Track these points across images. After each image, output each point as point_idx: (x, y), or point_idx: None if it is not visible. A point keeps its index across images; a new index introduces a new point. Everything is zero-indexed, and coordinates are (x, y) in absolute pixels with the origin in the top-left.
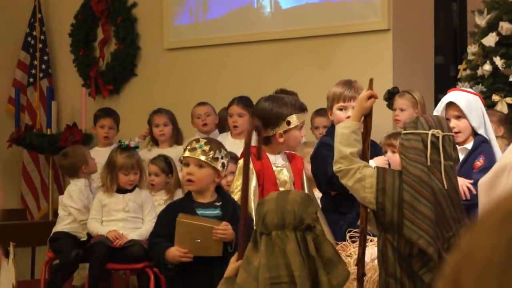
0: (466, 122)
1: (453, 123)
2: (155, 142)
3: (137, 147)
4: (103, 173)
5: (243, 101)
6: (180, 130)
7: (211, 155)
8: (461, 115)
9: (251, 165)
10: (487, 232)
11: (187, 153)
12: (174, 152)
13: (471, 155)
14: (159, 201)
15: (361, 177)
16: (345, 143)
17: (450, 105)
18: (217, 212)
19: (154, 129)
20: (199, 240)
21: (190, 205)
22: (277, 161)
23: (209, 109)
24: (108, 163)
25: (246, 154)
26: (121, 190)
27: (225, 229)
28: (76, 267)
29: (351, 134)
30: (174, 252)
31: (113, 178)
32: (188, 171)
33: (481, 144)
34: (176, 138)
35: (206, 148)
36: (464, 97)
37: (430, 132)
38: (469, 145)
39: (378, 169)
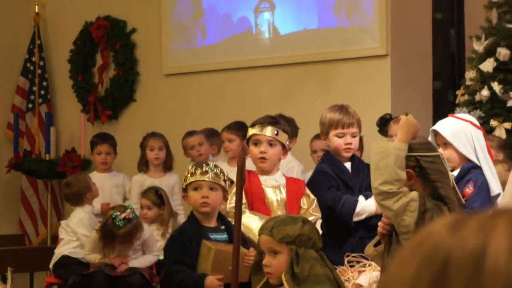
0: (451, 149)
1: (441, 150)
2: (145, 167)
3: (134, 217)
4: (99, 241)
5: (232, 126)
6: (172, 156)
7: (222, 178)
8: (447, 143)
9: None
10: (400, 262)
11: (199, 177)
12: (166, 181)
13: (458, 183)
14: (156, 237)
15: (408, 201)
16: (400, 165)
17: (437, 132)
18: (225, 236)
19: (148, 152)
20: (230, 267)
21: (201, 230)
22: (267, 181)
23: (200, 138)
24: (105, 234)
25: (239, 174)
26: None
27: (253, 255)
28: None
29: (403, 159)
30: (214, 282)
31: (113, 249)
32: (204, 194)
33: (469, 171)
34: (168, 163)
35: (217, 170)
36: (449, 125)
37: (442, 154)
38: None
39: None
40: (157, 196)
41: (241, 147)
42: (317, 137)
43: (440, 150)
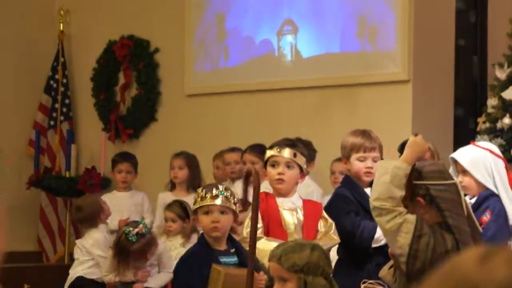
0: (470, 177)
1: (460, 178)
2: (172, 186)
3: (147, 232)
4: (114, 259)
5: (256, 148)
6: (199, 176)
7: (232, 201)
8: (466, 171)
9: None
10: None
11: (209, 201)
12: (189, 201)
13: (476, 210)
14: (175, 245)
15: (402, 222)
16: (397, 184)
17: (457, 160)
18: (235, 259)
19: (171, 172)
20: None
21: (211, 253)
22: (284, 204)
23: (238, 156)
24: (119, 251)
25: (255, 198)
26: None
27: (264, 278)
28: None
29: (403, 178)
30: None
31: (127, 265)
32: (214, 219)
33: (487, 199)
34: (193, 183)
35: (228, 194)
36: (467, 153)
37: (458, 183)
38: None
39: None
40: (181, 209)
41: (254, 173)
42: (338, 159)
43: (460, 178)
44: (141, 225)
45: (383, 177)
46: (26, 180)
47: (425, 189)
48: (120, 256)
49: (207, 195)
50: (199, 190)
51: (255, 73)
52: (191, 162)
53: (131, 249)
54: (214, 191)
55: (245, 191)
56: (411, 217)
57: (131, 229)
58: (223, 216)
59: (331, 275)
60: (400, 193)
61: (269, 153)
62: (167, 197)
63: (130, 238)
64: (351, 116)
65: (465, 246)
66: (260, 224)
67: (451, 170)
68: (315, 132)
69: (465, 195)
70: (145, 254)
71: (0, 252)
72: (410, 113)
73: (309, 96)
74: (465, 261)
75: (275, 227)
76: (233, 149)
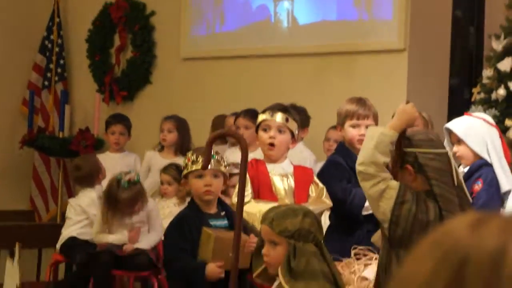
0: (465, 147)
1: (455, 148)
2: (161, 148)
3: (138, 181)
4: (103, 208)
5: (249, 113)
6: (189, 140)
7: (223, 164)
8: (460, 140)
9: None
10: (418, 258)
11: (200, 165)
12: (178, 162)
13: (469, 179)
14: (168, 204)
15: (385, 188)
16: (382, 150)
17: (451, 130)
18: (225, 222)
19: (160, 134)
20: (231, 254)
21: (202, 216)
22: (275, 170)
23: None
24: (108, 199)
25: (243, 161)
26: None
27: (254, 241)
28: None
29: (388, 144)
30: (215, 269)
31: (115, 213)
32: (207, 182)
33: (480, 168)
34: (182, 147)
35: (218, 157)
36: (461, 123)
37: (450, 153)
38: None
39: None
40: (177, 172)
41: (240, 137)
42: (334, 127)
43: (455, 148)
44: (132, 173)
45: (369, 143)
46: (19, 140)
47: (414, 156)
48: (109, 205)
49: (198, 159)
50: (189, 154)
51: (251, 38)
52: (181, 125)
53: (121, 197)
54: None
55: (211, 143)
56: (394, 184)
57: (123, 175)
58: (215, 180)
59: (322, 241)
60: (384, 159)
61: (261, 117)
62: (155, 157)
63: (122, 184)
64: (347, 83)
65: (450, 215)
66: (249, 190)
67: (446, 142)
68: (311, 98)
69: (459, 165)
70: (133, 204)
71: None
72: (405, 82)
73: (305, 63)
74: (457, 227)
75: (265, 192)
76: (234, 114)
